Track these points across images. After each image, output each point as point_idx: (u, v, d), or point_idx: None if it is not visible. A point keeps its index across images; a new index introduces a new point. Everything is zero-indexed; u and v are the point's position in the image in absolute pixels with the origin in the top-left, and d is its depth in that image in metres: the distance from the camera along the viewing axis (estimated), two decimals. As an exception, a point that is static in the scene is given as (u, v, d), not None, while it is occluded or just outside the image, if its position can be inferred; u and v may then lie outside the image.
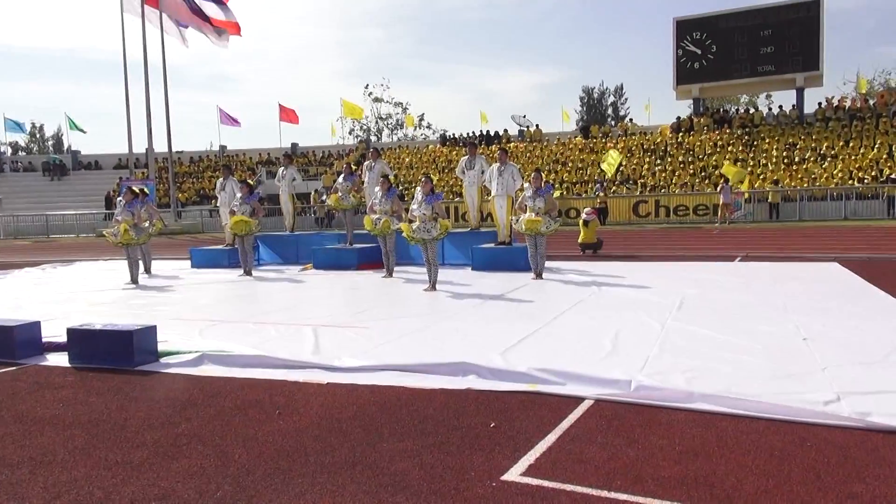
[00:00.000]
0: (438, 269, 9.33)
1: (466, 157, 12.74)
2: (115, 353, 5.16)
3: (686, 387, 4.04)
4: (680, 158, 30.40)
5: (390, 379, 4.53)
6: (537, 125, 38.47)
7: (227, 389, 4.46)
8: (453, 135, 39.51)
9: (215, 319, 7.18)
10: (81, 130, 39.01)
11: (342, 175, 13.14)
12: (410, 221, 9.19)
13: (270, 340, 5.97)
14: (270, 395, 4.29)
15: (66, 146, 58.26)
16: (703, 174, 28.52)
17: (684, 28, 34.25)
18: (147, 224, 11.89)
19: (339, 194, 12.86)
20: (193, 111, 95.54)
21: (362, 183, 13.46)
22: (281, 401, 4.17)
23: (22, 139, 62.41)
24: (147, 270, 12.91)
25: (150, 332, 5.31)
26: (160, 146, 33.50)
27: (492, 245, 11.89)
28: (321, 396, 4.24)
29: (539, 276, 9.90)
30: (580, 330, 6.09)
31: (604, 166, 24.88)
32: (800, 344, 5.29)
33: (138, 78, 31.57)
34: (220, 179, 14.26)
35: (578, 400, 4.00)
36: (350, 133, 57.94)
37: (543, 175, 10.37)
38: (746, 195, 25.03)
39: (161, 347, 5.45)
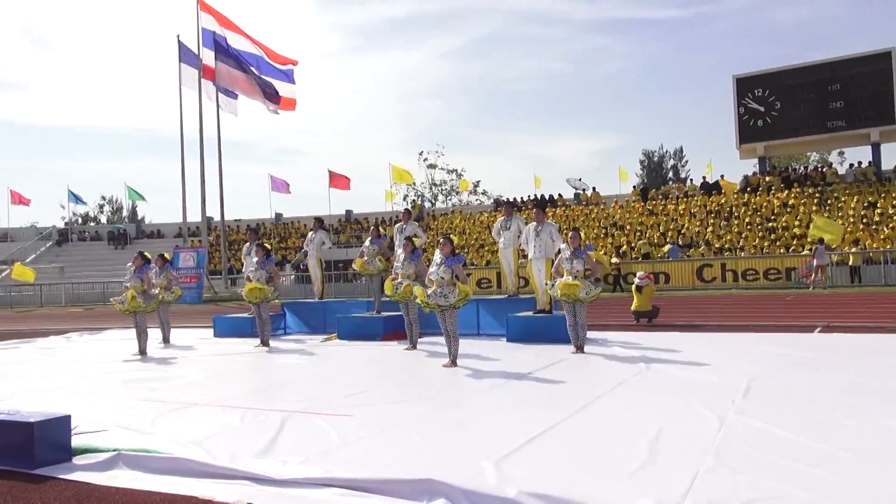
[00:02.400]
0: (459, 341, 8.13)
1: (503, 217, 11.71)
2: (13, 450, 4.13)
3: (748, 533, 2.66)
4: (747, 220, 28.50)
5: (331, 499, 3.30)
6: (594, 188, 37.23)
7: (113, 512, 3.32)
8: (507, 199, 38.64)
9: (186, 402, 6.23)
10: (141, 198, 39.98)
11: (369, 238, 12.24)
12: (428, 286, 8.11)
13: (224, 431, 4.91)
14: (158, 524, 3.13)
15: (139, 216, 60.45)
16: (772, 236, 26.52)
17: (745, 85, 32.82)
18: (156, 291, 11.13)
19: (366, 258, 11.92)
20: (257, 183, 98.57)
21: (393, 246, 12.54)
22: (166, 535, 2.99)
23: (91, 210, 65.05)
24: (165, 340, 12.17)
25: (61, 423, 4.26)
26: (220, 215, 33.81)
27: (529, 313, 10.67)
28: (225, 529, 3.04)
29: (580, 349, 8.69)
30: (613, 424, 4.75)
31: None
32: (913, 454, 3.80)
33: (204, 152, 32.02)
34: (247, 244, 13.53)
35: (582, 551, 2.68)
36: (404, 199, 57.87)
37: (583, 235, 9.16)
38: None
39: (79, 442, 4.41)
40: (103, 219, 65.75)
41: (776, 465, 3.65)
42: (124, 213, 66.27)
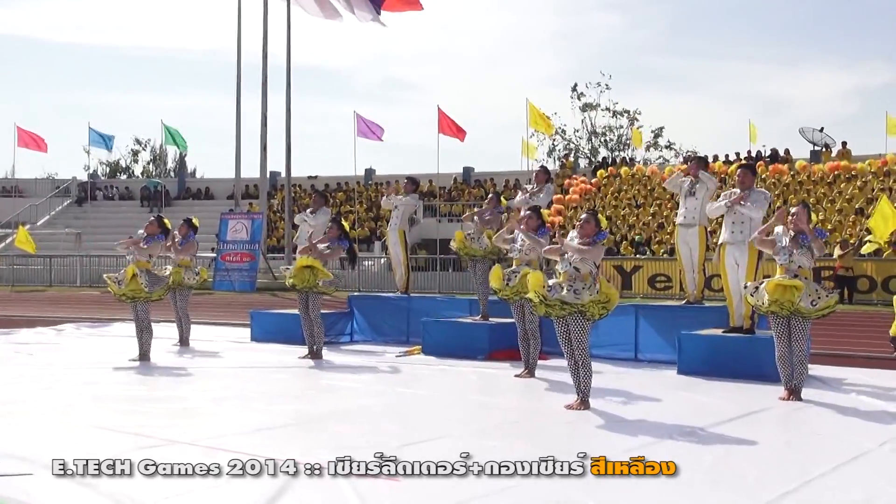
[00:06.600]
0: (592, 369, 7.64)
1: (686, 178, 10.97)
2: None
3: None
4: None
5: None
6: (843, 143, 35.03)
7: None
8: (695, 154, 37.22)
9: (165, 437, 6.19)
10: (182, 143, 41.74)
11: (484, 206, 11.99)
12: (549, 270, 7.59)
13: (193, 490, 4.78)
14: None
15: (187, 169, 63.46)
16: None
17: None
18: (168, 272, 11.21)
19: (470, 233, 11.51)
20: (350, 128, 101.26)
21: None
22: None
23: (122, 158, 68.80)
24: (182, 341, 12.36)
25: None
26: (298, 170, 34.51)
27: (717, 332, 10.00)
28: None
29: (794, 394, 8.17)
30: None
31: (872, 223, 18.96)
32: None
33: (267, 80, 32.42)
34: (309, 210, 13.54)
35: None
36: (549, 155, 57.16)
37: (815, 216, 8.32)
38: None
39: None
40: (138, 170, 69.55)
41: None
42: (169, 163, 69.66)
